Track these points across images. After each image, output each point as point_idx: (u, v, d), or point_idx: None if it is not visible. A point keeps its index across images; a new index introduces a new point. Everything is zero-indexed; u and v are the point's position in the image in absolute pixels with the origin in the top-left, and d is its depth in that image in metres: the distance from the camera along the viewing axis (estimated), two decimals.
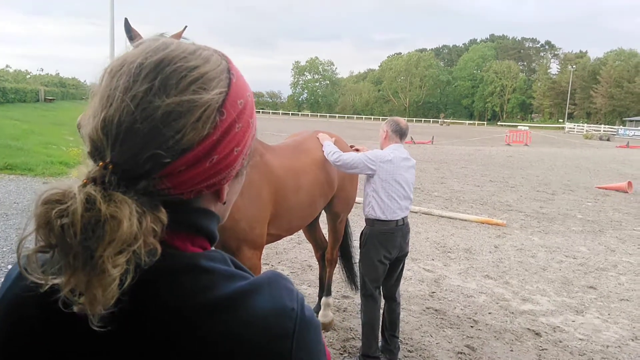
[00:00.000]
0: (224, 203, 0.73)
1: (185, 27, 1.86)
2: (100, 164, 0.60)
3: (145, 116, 0.60)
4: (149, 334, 0.61)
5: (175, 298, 0.62)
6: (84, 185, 0.58)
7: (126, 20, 2.42)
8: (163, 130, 0.61)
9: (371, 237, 3.73)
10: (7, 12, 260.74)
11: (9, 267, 4.97)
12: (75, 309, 0.57)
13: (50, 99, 45.96)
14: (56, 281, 0.58)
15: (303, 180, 3.58)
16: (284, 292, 0.66)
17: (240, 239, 3.04)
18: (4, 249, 5.78)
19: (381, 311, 3.87)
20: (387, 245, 3.71)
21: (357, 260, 4.20)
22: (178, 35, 2.11)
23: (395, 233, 3.72)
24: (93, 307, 0.56)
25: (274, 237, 3.52)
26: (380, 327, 3.83)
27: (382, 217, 3.68)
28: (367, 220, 3.80)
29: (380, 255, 3.71)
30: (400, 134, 3.80)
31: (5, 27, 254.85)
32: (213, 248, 0.72)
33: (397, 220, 3.71)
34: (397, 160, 3.68)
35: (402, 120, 3.91)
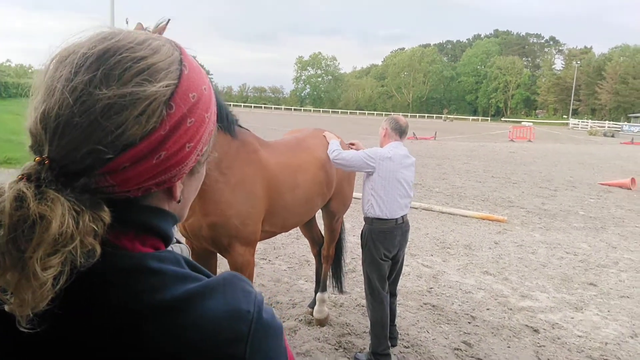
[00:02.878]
0: (179, 201, 0.70)
1: (169, 20, 1.79)
2: (37, 159, 0.57)
3: (85, 109, 0.57)
4: (90, 337, 0.58)
5: (119, 299, 0.59)
6: (17, 181, 0.55)
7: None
8: (103, 124, 0.57)
9: (371, 235, 3.70)
10: (7, 7, 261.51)
11: None
12: (6, 308, 0.55)
13: None
14: None
15: (300, 178, 3.52)
16: (239, 294, 0.63)
17: (232, 236, 2.99)
18: None
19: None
20: (386, 244, 3.68)
21: (345, 258, 4.16)
22: (161, 30, 2.04)
23: (394, 232, 3.69)
24: (22, 309, 0.53)
25: (268, 234, 3.48)
26: (388, 324, 3.80)
27: (382, 216, 3.65)
28: (366, 218, 3.77)
29: (381, 254, 3.69)
30: (400, 132, 3.76)
31: (5, 22, 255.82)
32: (169, 248, 0.69)
33: (396, 219, 3.68)
34: (397, 158, 3.64)
35: (402, 118, 3.88)
